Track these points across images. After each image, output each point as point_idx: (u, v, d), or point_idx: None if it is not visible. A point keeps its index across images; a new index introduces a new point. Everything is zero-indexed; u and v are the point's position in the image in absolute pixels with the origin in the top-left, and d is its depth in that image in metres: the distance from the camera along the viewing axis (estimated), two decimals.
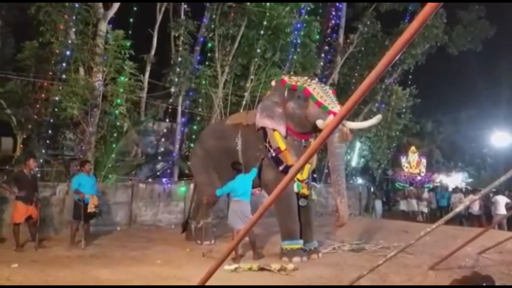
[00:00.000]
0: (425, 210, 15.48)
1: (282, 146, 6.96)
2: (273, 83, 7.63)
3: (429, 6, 1.56)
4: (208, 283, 2.95)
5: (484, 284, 2.24)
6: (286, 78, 7.26)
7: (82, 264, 6.16)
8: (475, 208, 13.36)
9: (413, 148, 20.35)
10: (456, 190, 16.74)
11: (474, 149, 26.94)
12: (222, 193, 7.31)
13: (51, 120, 10.55)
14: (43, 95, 10.69)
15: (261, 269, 5.99)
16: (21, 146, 11.39)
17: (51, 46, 10.48)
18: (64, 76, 10.37)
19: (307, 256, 6.82)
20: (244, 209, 6.74)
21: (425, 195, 16.33)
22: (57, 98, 10.16)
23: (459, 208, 5.31)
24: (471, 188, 18.28)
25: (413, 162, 19.89)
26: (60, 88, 10.17)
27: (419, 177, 19.52)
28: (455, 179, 25.75)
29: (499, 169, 20.97)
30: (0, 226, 8.09)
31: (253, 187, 7.23)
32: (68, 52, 10.29)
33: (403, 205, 15.86)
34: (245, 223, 6.22)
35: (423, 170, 19.95)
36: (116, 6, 11.18)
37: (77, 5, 10.34)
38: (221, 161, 7.76)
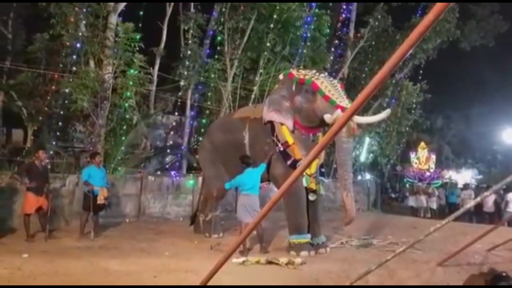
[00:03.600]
0: (434, 206, 15.34)
1: (290, 140, 6.95)
2: (281, 76, 7.59)
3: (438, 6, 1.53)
4: (216, 276, 2.97)
5: (502, 281, 2.22)
6: (294, 71, 7.22)
7: (91, 255, 6.22)
8: (488, 205, 13.23)
9: (422, 144, 20.13)
10: (466, 186, 16.55)
11: (484, 146, 26.61)
12: (231, 187, 7.33)
13: (61, 112, 10.64)
14: (53, 87, 10.78)
15: (269, 262, 6.00)
16: (32, 138, 11.52)
17: (62, 38, 10.53)
18: (74, 68, 10.43)
19: (314, 250, 6.82)
20: (252, 203, 6.74)
21: (432, 191, 16.16)
22: (67, 90, 10.22)
23: (470, 204, 5.26)
24: (481, 185, 18.08)
25: (422, 158, 19.68)
26: (71, 80, 10.22)
27: (428, 173, 19.33)
28: (465, 176, 25.52)
29: (509, 166, 20.69)
30: (11, 216, 8.18)
31: (262, 181, 7.23)
32: (78, 45, 10.33)
33: (411, 201, 15.73)
34: (253, 217, 6.23)
35: (432, 166, 19.75)
36: None
37: None
38: (229, 154, 7.77)
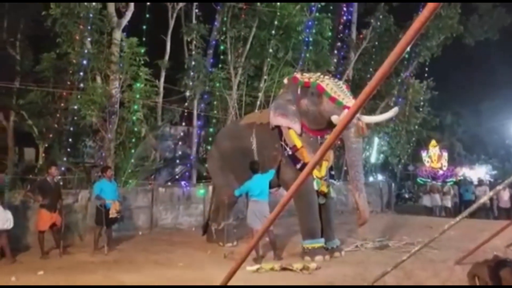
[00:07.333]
0: (449, 204, 15.10)
1: (298, 143, 6.92)
2: (285, 80, 7.60)
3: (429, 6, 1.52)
4: (229, 284, 2.95)
5: (505, 266, 2.21)
6: (298, 75, 7.22)
7: (106, 269, 6.24)
8: (504, 199, 13.02)
9: (433, 142, 19.88)
10: (480, 183, 16.29)
11: (496, 141, 26.21)
12: (239, 193, 7.31)
13: (71, 129, 10.76)
14: (62, 105, 10.92)
15: (283, 269, 5.96)
16: (43, 155, 11.64)
17: (68, 56, 10.69)
18: (82, 85, 10.56)
19: (329, 254, 6.76)
20: (262, 209, 6.71)
21: (448, 189, 15.94)
22: (76, 107, 10.35)
23: (483, 199, 5.19)
24: (497, 181, 17.77)
25: (434, 156, 19.40)
26: (79, 97, 10.35)
27: (441, 171, 19.06)
28: (478, 172, 25.06)
29: None
30: (25, 234, 8.20)
31: (271, 187, 7.21)
32: (84, 62, 10.47)
33: (426, 201, 15.50)
34: (263, 223, 6.20)
35: (445, 164, 19.44)
36: (129, 14, 11.35)
37: (91, 15, 10.52)
38: (237, 161, 7.76)
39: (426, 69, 17.49)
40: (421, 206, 16.20)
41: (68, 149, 10.87)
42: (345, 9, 16.25)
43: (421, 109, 17.67)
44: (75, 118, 10.57)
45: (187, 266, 6.47)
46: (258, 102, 12.96)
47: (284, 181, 7.14)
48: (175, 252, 7.58)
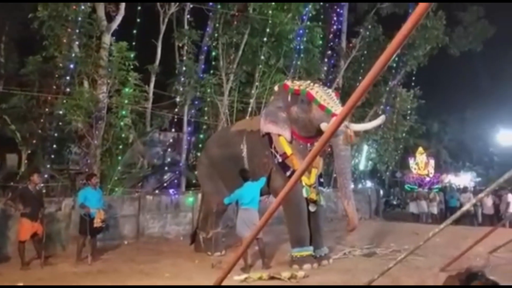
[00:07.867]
0: (435, 211, 15.25)
1: (288, 151, 6.91)
2: (276, 88, 7.61)
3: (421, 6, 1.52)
4: None
5: (476, 279, 2.21)
6: (288, 82, 7.25)
7: (90, 280, 6.07)
8: (488, 206, 13.20)
9: (420, 149, 20.18)
10: (464, 190, 16.55)
11: (481, 148, 26.78)
12: (230, 201, 7.24)
13: (56, 134, 10.42)
14: (47, 109, 10.62)
15: (271, 278, 5.90)
16: (26, 162, 11.34)
17: (55, 60, 10.48)
18: (68, 89, 10.35)
19: (317, 262, 6.72)
20: (252, 217, 6.64)
21: (434, 196, 16.12)
22: (61, 112, 10.11)
23: (466, 206, 5.25)
24: (481, 188, 18.04)
25: (421, 164, 19.69)
26: (64, 101, 10.13)
27: (428, 178, 19.31)
28: (463, 179, 25.50)
29: (506, 167, 20.64)
30: (5, 244, 7.90)
31: (261, 194, 7.15)
32: (72, 66, 10.28)
33: (413, 207, 15.63)
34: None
35: (432, 171, 19.75)
36: (119, 18, 11.24)
37: (80, 18, 10.38)
38: (227, 168, 7.70)
39: (413, 78, 17.84)
40: (408, 212, 16.33)
41: (52, 156, 10.50)
42: (335, 18, 16.46)
43: (408, 117, 18.00)
44: (60, 123, 10.29)
45: (174, 276, 6.34)
46: (250, 109, 12.94)
47: (274, 188, 7.09)
48: (161, 262, 7.41)
